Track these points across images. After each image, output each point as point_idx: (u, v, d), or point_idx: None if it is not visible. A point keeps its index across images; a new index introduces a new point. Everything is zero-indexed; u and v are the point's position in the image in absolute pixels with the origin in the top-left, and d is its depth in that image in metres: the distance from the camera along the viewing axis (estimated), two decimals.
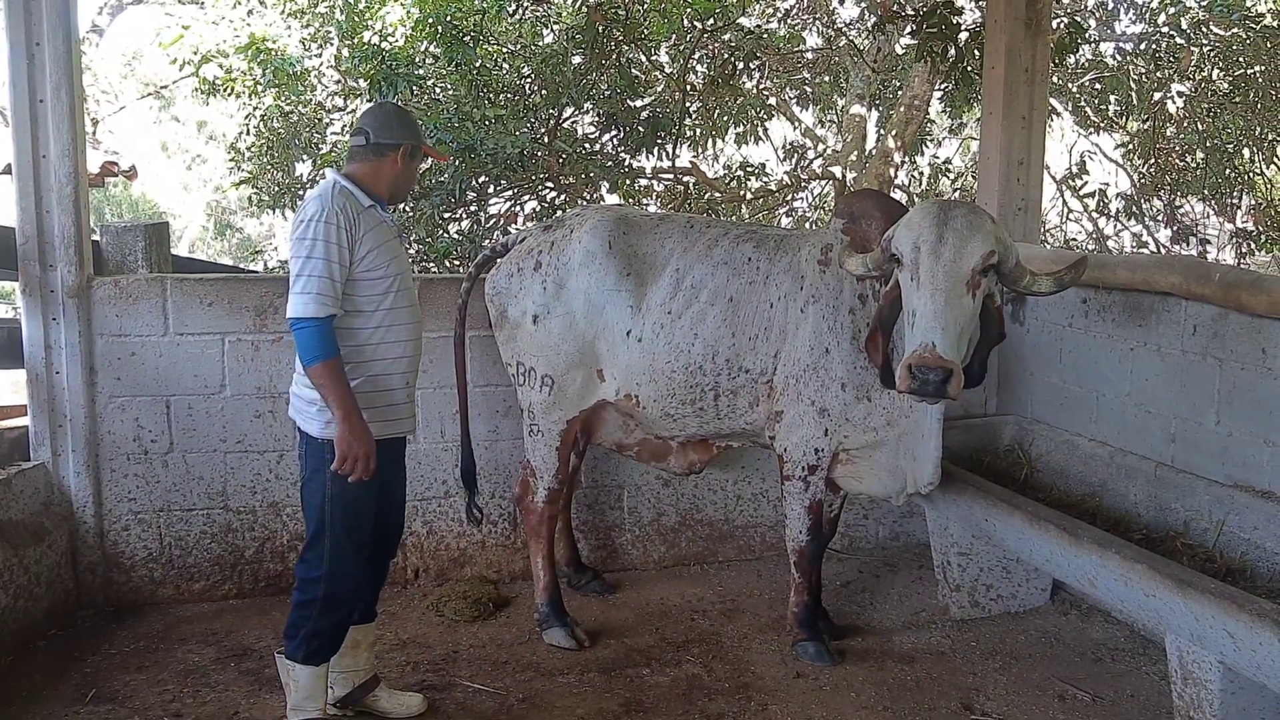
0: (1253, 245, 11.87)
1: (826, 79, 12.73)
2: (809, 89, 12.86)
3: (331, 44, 11.09)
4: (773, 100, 12.56)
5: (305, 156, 10.63)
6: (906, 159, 12.21)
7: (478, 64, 8.79)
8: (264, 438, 5.09)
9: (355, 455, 3.50)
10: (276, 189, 10.72)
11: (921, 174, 13.40)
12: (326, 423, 3.58)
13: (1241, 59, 10.82)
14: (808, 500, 4.49)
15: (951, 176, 13.53)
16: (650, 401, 4.57)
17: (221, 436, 5.06)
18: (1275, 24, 10.75)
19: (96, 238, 5.29)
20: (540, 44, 9.54)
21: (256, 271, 10.98)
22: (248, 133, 11.18)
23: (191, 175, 23.67)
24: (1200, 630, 3.36)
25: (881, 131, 12.24)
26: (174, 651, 4.59)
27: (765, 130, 12.63)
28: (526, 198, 9.67)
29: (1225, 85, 11.21)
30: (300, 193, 10.21)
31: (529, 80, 9.42)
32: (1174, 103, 11.31)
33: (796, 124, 13.56)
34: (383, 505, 3.82)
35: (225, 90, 10.79)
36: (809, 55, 12.49)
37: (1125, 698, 4.23)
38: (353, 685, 3.98)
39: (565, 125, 9.48)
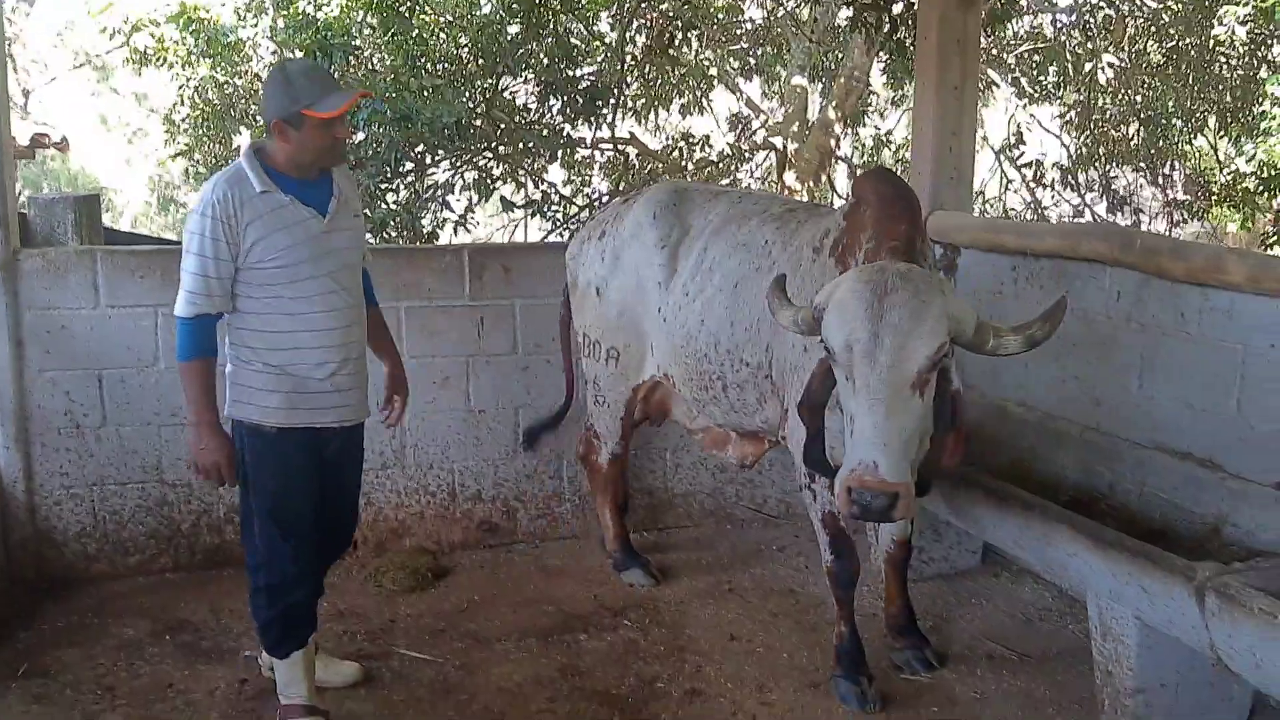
0: (1185, 214, 12.10)
1: (769, 50, 12.75)
2: (751, 60, 12.88)
3: (266, 14, 10.94)
4: (714, 71, 12.56)
5: (242, 128, 10.50)
6: (848, 130, 12.28)
7: (414, 34, 8.74)
8: None
9: (203, 466, 3.45)
10: (214, 161, 10.60)
11: (864, 145, 13.49)
12: (233, 400, 3.54)
13: (1172, 30, 11.00)
14: (819, 511, 4.00)
15: (893, 148, 13.62)
16: (680, 383, 4.47)
17: (156, 409, 5.01)
18: None
19: (24, 210, 5.21)
20: (477, 14, 9.49)
21: None
22: (183, 104, 11.01)
23: (133, 149, 23.22)
24: (1118, 588, 3.45)
25: (823, 102, 12.30)
26: (108, 626, 4.56)
27: (709, 101, 12.64)
28: (466, 168, 9.63)
29: (1159, 57, 11.39)
30: None
31: (466, 50, 9.37)
32: (1104, 73, 11.45)
33: (739, 95, 13.58)
34: (322, 495, 3.65)
35: (157, 60, 10.63)
36: (749, 25, 12.49)
37: (1051, 656, 4.33)
38: None
39: (505, 95, 9.44)
